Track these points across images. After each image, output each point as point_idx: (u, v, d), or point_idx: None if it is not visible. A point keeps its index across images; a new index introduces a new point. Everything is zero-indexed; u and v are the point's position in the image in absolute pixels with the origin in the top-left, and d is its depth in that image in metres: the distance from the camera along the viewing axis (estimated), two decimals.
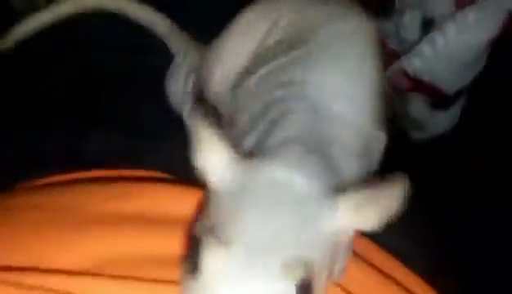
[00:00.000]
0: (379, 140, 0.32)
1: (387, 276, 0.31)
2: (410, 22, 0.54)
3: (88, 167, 0.36)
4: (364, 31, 0.34)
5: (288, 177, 0.24)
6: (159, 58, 0.45)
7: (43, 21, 0.47)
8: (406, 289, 0.31)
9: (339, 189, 0.25)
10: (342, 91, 0.31)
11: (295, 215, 0.23)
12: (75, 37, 0.47)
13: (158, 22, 0.46)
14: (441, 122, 0.57)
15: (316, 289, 0.23)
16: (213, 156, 0.24)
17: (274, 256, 0.22)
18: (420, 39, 0.52)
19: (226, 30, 0.38)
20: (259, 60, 0.34)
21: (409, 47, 0.54)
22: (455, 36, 0.50)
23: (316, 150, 0.27)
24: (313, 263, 0.23)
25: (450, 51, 0.51)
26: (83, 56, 0.47)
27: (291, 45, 0.33)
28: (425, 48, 0.51)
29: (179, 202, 0.31)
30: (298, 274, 0.22)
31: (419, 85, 0.53)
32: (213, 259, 0.22)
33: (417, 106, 0.56)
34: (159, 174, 0.36)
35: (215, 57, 0.39)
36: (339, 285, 0.28)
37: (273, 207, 0.23)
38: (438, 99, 0.54)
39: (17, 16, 0.48)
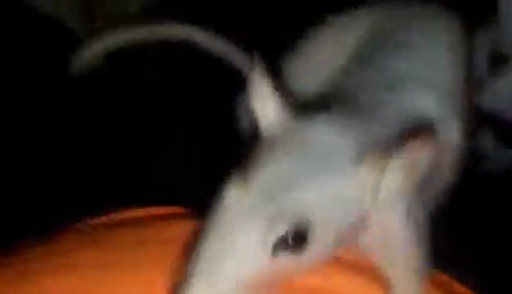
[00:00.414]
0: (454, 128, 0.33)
1: None
2: (477, 60, 0.54)
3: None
4: (447, 29, 0.37)
5: (318, 132, 0.25)
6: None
7: (114, 44, 0.47)
8: None
9: (371, 148, 0.25)
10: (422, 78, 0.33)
11: (313, 168, 0.24)
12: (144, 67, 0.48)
13: (233, 51, 0.46)
14: (508, 156, 0.57)
15: (315, 247, 0.24)
16: (265, 103, 0.27)
17: (271, 204, 0.23)
18: (489, 75, 0.51)
19: (310, 39, 0.40)
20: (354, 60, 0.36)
21: (477, 83, 0.54)
22: None
23: (365, 113, 0.28)
24: (310, 221, 0.23)
25: None
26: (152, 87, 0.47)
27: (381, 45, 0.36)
28: (499, 84, 0.50)
29: None
30: (282, 229, 0.23)
31: (489, 120, 0.53)
32: (229, 193, 0.24)
33: (485, 141, 0.56)
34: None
35: (303, 63, 0.40)
36: None
37: (294, 156, 0.25)
38: (507, 134, 0.54)
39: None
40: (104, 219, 0.34)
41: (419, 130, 0.27)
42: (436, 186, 0.32)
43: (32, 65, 0.47)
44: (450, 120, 0.33)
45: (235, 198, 0.24)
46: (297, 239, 0.23)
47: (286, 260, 0.24)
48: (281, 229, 0.23)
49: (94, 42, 0.48)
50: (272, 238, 0.23)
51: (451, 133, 0.33)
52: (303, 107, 0.28)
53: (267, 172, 0.24)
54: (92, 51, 0.48)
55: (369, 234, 0.27)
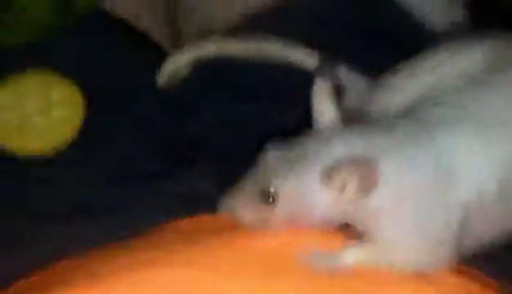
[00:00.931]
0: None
1: None
2: None
3: None
4: None
5: (318, 139, 0.34)
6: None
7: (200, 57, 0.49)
8: None
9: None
10: None
11: (294, 164, 0.33)
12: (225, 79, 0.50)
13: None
14: None
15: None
16: (323, 104, 0.35)
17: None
18: None
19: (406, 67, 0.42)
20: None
21: None
22: None
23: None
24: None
25: None
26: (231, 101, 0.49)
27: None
28: None
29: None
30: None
31: None
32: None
33: None
34: None
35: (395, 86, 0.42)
36: None
37: (293, 150, 0.34)
38: None
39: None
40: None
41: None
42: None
43: (121, 77, 0.49)
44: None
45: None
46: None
47: None
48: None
49: (179, 55, 0.49)
50: None
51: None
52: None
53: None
54: (177, 65, 0.49)
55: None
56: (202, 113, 0.49)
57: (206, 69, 0.51)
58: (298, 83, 0.41)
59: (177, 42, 0.57)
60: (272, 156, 0.34)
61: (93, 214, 0.42)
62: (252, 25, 0.52)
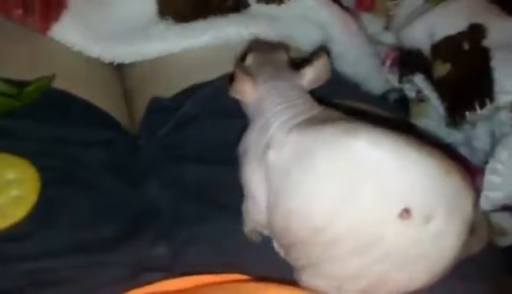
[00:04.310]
0: None
1: None
2: (481, 133, 0.56)
3: None
4: None
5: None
6: None
7: None
8: None
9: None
10: None
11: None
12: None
13: None
14: None
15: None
16: (243, 84, 0.42)
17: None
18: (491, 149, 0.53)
19: None
20: None
21: (481, 156, 0.56)
22: None
23: None
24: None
25: None
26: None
27: None
28: (498, 166, 0.51)
29: None
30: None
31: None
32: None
33: (500, 215, 0.57)
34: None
35: None
36: None
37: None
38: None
39: None
40: None
41: None
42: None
43: (75, 151, 0.50)
44: None
45: None
46: None
47: None
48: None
49: None
50: None
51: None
52: None
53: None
54: None
55: None
56: (155, 176, 0.51)
57: (158, 134, 0.53)
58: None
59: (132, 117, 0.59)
60: None
61: (50, 285, 0.42)
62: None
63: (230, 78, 0.44)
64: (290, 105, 0.40)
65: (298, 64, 0.44)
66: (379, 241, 0.35)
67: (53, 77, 0.53)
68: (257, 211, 0.41)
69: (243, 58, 0.47)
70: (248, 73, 0.43)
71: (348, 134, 0.36)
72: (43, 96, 0.52)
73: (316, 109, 0.40)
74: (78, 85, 0.55)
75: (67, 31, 0.57)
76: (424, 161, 0.35)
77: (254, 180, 0.40)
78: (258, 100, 0.42)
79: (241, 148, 0.42)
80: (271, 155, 0.38)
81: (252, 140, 0.41)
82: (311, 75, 0.43)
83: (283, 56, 0.46)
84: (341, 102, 0.50)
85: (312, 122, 0.38)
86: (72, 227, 0.46)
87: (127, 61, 0.58)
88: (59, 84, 0.54)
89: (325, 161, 0.36)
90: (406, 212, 0.34)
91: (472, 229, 0.37)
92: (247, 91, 0.42)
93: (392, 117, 0.55)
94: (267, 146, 0.39)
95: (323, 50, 0.51)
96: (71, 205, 0.47)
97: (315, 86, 0.43)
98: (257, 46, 0.54)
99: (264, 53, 0.46)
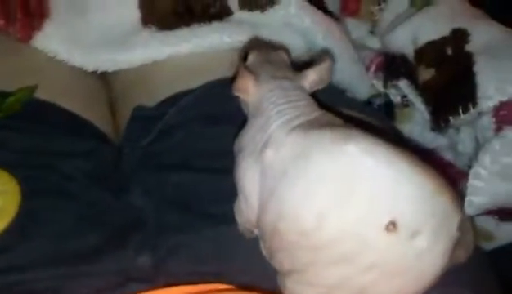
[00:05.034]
0: None
1: None
2: (466, 137, 0.56)
3: None
4: None
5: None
6: None
7: None
8: None
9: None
10: None
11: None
12: None
13: None
14: (508, 232, 0.58)
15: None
16: (246, 82, 0.42)
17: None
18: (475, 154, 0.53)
19: None
20: None
21: (466, 160, 0.56)
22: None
23: None
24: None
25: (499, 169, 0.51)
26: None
27: None
28: (481, 171, 0.51)
29: None
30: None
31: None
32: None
33: (485, 219, 0.57)
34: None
35: None
36: None
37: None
38: (505, 212, 0.56)
39: None
40: None
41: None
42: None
43: (57, 162, 0.50)
44: None
45: None
46: None
47: None
48: None
49: None
50: None
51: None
52: None
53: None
54: None
55: None
56: (139, 185, 0.50)
57: (141, 142, 0.53)
58: (230, 151, 0.44)
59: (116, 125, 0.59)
60: None
61: None
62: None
63: (232, 77, 0.44)
64: (292, 106, 0.40)
65: (298, 65, 0.44)
66: (365, 250, 0.35)
67: (35, 87, 0.53)
68: (248, 209, 0.41)
69: (244, 57, 0.47)
70: (251, 71, 0.43)
71: (345, 140, 0.36)
72: (25, 107, 0.52)
73: (317, 112, 0.40)
74: (62, 95, 0.55)
75: (50, 40, 0.57)
76: (417, 177, 0.35)
77: (248, 177, 0.40)
78: (260, 98, 0.42)
79: (237, 145, 0.42)
80: (269, 154, 0.38)
81: (250, 138, 0.41)
82: (313, 77, 0.43)
83: (283, 56, 0.46)
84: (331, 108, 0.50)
85: (313, 125, 0.38)
86: (54, 238, 0.46)
87: (110, 70, 0.58)
88: (41, 94, 0.54)
89: (320, 165, 0.36)
90: (392, 225, 0.34)
91: (458, 239, 0.37)
92: (249, 89, 0.42)
93: (378, 124, 0.55)
94: (266, 145, 0.39)
95: (326, 54, 0.52)
96: (53, 216, 0.47)
97: (315, 88, 0.43)
98: (257, 45, 0.54)
99: (265, 52, 0.46)
